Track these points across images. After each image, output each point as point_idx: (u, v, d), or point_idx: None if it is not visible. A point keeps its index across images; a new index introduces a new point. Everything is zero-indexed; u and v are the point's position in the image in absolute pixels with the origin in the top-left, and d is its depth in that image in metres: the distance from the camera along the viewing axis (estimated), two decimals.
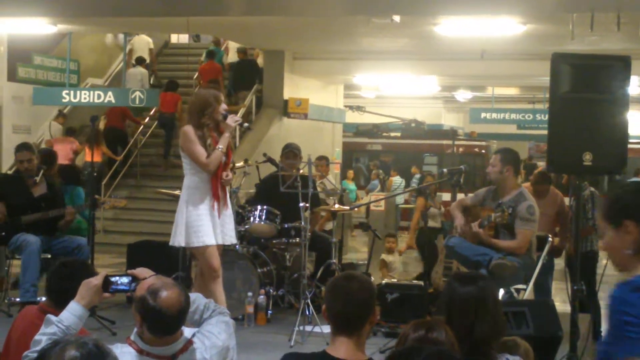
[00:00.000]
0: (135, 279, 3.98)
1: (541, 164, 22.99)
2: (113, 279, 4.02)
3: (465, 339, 3.87)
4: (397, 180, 24.16)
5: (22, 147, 9.88)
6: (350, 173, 23.72)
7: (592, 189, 9.63)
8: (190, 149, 7.43)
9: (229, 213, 7.65)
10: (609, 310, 3.19)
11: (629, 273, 3.27)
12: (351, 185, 22.93)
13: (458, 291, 4.02)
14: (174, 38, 24.21)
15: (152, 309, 3.76)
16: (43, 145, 18.56)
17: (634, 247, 3.26)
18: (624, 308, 3.13)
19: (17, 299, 9.36)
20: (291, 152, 10.25)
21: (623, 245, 3.29)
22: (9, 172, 9.66)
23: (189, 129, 7.45)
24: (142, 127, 19.60)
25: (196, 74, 20.74)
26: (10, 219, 9.44)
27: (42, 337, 3.86)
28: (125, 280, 4.01)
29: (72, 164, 17.43)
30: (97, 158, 17.95)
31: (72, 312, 3.94)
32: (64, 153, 17.47)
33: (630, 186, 3.41)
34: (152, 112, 19.61)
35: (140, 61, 20.30)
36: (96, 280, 4.01)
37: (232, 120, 7.46)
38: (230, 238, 7.70)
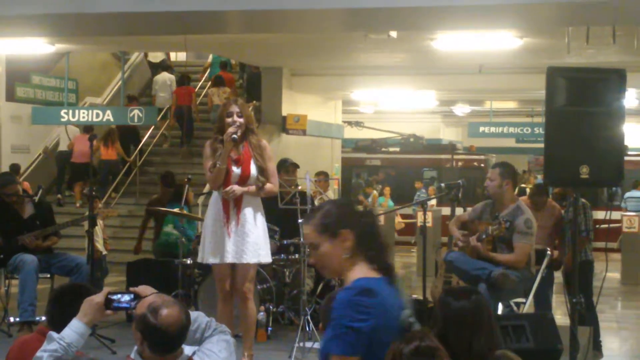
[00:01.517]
0: (137, 297, 3.98)
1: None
2: (115, 297, 4.02)
3: (462, 354, 3.88)
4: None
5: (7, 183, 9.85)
6: (387, 189, 23.63)
7: (583, 200, 9.63)
8: (203, 164, 7.49)
9: (246, 230, 7.35)
10: (333, 312, 3.59)
11: (345, 278, 3.77)
12: (390, 202, 22.87)
13: (452, 306, 4.03)
14: (172, 56, 24.30)
15: (153, 326, 3.77)
16: (63, 149, 18.81)
17: (350, 251, 3.73)
18: (348, 311, 3.54)
19: (17, 319, 9.35)
20: (292, 165, 10.28)
21: (341, 252, 3.75)
22: None
23: (206, 144, 7.48)
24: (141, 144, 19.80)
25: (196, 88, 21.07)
26: (5, 241, 9.45)
27: (44, 354, 3.87)
28: (127, 297, 4.01)
29: (90, 161, 17.82)
30: (113, 155, 18.42)
31: (74, 330, 3.95)
32: (84, 152, 17.62)
33: (336, 201, 4.11)
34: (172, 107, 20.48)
35: (165, 68, 21.26)
36: (98, 298, 4.02)
37: (227, 134, 7.28)
38: (248, 257, 7.37)
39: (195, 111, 20.09)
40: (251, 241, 7.39)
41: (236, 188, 7.34)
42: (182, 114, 19.98)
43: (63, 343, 3.89)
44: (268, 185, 7.41)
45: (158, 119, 19.19)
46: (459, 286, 7.35)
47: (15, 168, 16.51)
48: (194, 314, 4.02)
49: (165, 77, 20.73)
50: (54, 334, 3.94)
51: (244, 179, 7.36)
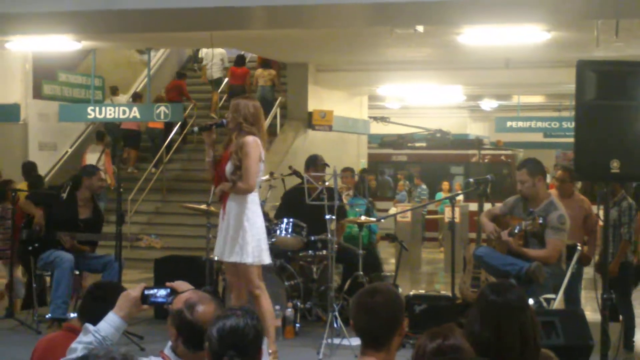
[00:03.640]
0: (173, 292, 3.97)
1: None
2: (151, 291, 4.01)
3: (513, 353, 3.78)
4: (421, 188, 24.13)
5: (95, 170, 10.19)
6: (446, 184, 23.45)
7: (631, 200, 9.47)
8: None
9: (227, 227, 7.40)
10: None
11: None
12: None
13: (499, 302, 3.90)
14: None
15: (189, 323, 3.76)
16: None
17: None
18: None
19: (48, 315, 9.39)
20: (323, 165, 10.23)
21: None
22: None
23: None
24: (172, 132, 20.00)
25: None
26: (47, 232, 9.50)
27: (78, 346, 3.88)
28: (163, 292, 4.00)
29: (138, 129, 19.94)
30: (158, 125, 19.15)
31: (110, 323, 3.95)
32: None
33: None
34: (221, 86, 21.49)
35: None
36: (135, 292, 4.02)
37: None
38: (227, 255, 7.42)
39: (249, 91, 20.52)
40: (233, 239, 7.40)
41: (216, 191, 7.52)
42: (235, 94, 20.28)
43: (98, 336, 3.89)
44: (238, 184, 7.34)
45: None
46: (501, 281, 7.28)
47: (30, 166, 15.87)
48: None
49: (217, 51, 21.39)
50: (90, 326, 3.94)
51: (223, 177, 7.44)
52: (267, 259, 7.63)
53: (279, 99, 19.98)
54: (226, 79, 21.26)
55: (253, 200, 7.47)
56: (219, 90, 21.43)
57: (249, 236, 7.42)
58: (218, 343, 3.42)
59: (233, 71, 20.63)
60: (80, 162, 18.89)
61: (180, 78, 21.53)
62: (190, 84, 22.32)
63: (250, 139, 7.34)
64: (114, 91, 20.45)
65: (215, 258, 7.86)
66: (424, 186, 24.39)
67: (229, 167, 7.39)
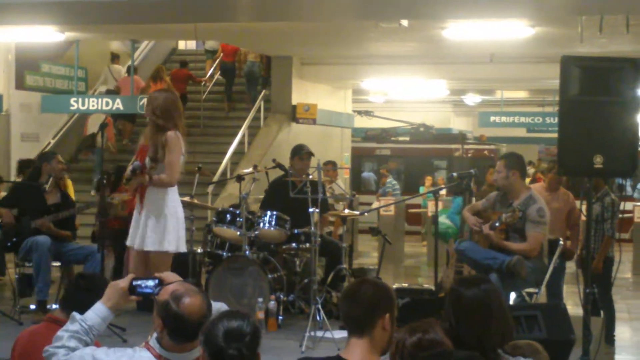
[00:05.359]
0: (161, 283, 3.98)
1: None
2: (139, 282, 4.03)
3: (475, 344, 3.85)
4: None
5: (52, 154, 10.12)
6: (429, 179, 23.28)
7: (614, 196, 9.49)
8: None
9: (146, 217, 7.49)
10: None
11: None
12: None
13: (464, 295, 4.01)
14: (182, 44, 24.29)
15: (174, 314, 3.75)
16: (111, 87, 19.77)
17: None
18: None
19: (32, 306, 9.38)
20: (307, 153, 10.17)
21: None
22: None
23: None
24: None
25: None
26: (21, 225, 9.47)
27: (65, 334, 3.88)
28: (151, 283, 4.02)
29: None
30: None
31: (97, 313, 3.96)
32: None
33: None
34: (215, 64, 21.73)
35: None
36: (123, 283, 4.02)
37: None
38: (145, 244, 7.51)
39: (239, 67, 20.88)
40: (148, 228, 7.52)
41: (132, 182, 7.63)
42: (227, 70, 20.83)
43: (85, 325, 3.89)
44: (161, 177, 7.44)
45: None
46: (470, 275, 7.33)
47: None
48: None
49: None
50: (77, 314, 3.95)
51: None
52: (183, 248, 7.79)
53: (263, 92, 19.98)
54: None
55: (173, 190, 7.59)
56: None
57: (170, 225, 7.49)
58: (223, 339, 3.41)
59: (223, 47, 20.81)
60: (83, 128, 19.24)
61: (184, 66, 21.49)
62: (189, 53, 23.15)
63: (171, 134, 7.42)
64: (114, 59, 20.38)
65: (128, 244, 7.85)
66: (390, 179, 24.23)
67: (148, 160, 7.48)
